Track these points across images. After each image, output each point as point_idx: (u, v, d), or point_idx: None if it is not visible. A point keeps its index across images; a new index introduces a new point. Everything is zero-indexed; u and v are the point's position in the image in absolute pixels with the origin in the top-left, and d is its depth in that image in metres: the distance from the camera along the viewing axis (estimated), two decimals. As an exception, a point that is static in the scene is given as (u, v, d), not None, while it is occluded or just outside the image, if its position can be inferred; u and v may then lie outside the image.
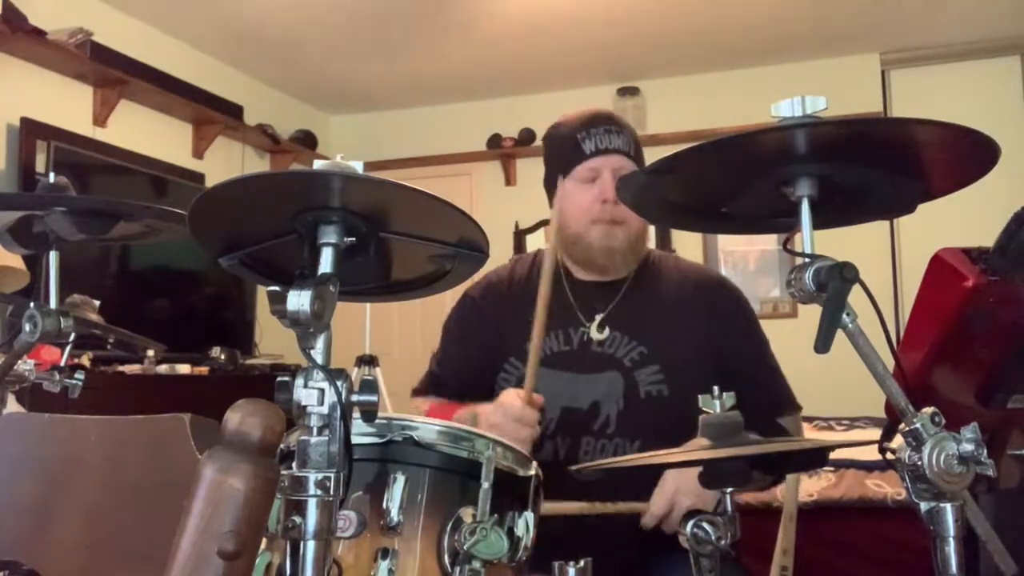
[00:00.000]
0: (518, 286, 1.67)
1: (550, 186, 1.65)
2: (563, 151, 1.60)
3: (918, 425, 0.82)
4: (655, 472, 1.38)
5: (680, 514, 1.31)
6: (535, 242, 5.23)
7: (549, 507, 1.14)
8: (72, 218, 1.04)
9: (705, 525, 0.99)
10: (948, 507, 0.82)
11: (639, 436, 1.48)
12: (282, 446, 0.88)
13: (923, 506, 0.83)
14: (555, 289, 1.63)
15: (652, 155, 0.91)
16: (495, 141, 5.37)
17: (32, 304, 1.05)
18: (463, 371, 1.65)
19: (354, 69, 4.98)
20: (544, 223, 5.12)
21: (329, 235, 0.81)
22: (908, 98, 4.83)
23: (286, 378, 0.77)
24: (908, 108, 4.79)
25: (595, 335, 1.56)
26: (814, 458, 1.31)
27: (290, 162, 5.16)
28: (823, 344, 0.82)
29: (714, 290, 1.64)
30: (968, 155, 0.87)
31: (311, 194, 0.81)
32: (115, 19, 4.03)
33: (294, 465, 0.76)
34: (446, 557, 0.94)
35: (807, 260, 0.86)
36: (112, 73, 3.83)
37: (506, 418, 1.35)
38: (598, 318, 1.58)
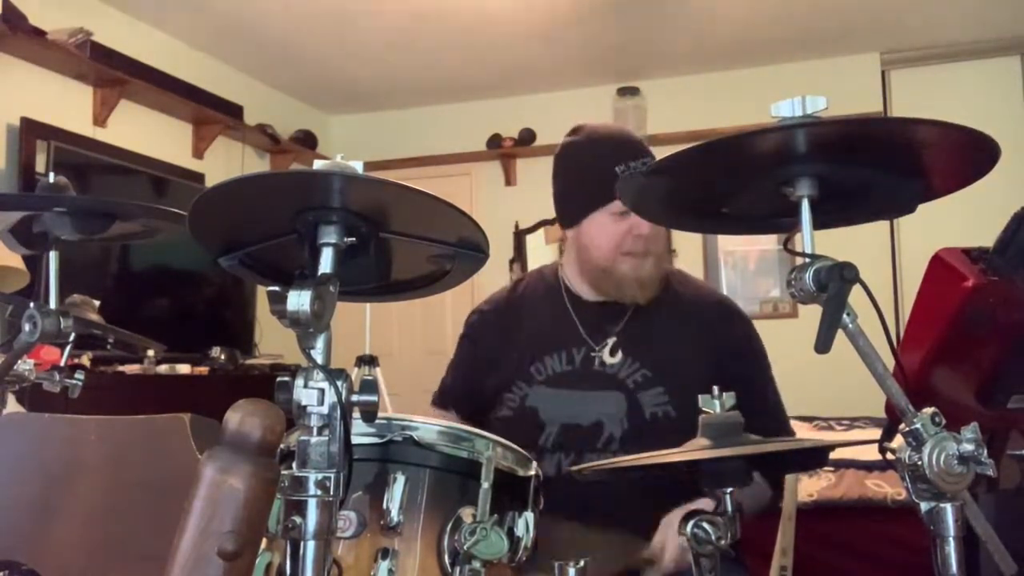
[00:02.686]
0: (521, 308, 1.68)
1: (575, 207, 1.61)
2: (598, 181, 1.54)
3: (918, 425, 0.82)
4: (656, 479, 1.38)
5: (673, 548, 1.30)
6: (535, 242, 5.23)
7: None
8: (73, 218, 1.04)
9: (705, 525, 0.99)
10: (948, 507, 0.82)
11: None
12: (282, 446, 0.88)
13: (923, 506, 0.83)
14: (559, 310, 1.63)
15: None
16: (495, 141, 5.37)
17: (32, 304, 1.05)
18: (468, 385, 1.66)
19: (354, 69, 4.98)
20: (544, 223, 5.12)
21: (329, 235, 0.81)
22: (908, 98, 4.83)
23: (286, 378, 0.77)
24: (908, 108, 4.78)
25: (608, 359, 1.56)
26: (814, 458, 1.31)
27: (290, 162, 5.16)
28: (823, 344, 0.82)
29: (721, 313, 1.63)
30: (968, 155, 0.87)
31: (311, 194, 0.81)
32: (115, 19, 4.03)
33: (294, 465, 0.76)
34: (446, 557, 0.94)
35: (807, 260, 0.86)
36: (112, 73, 3.83)
37: None
38: (610, 342, 1.58)
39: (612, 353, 1.56)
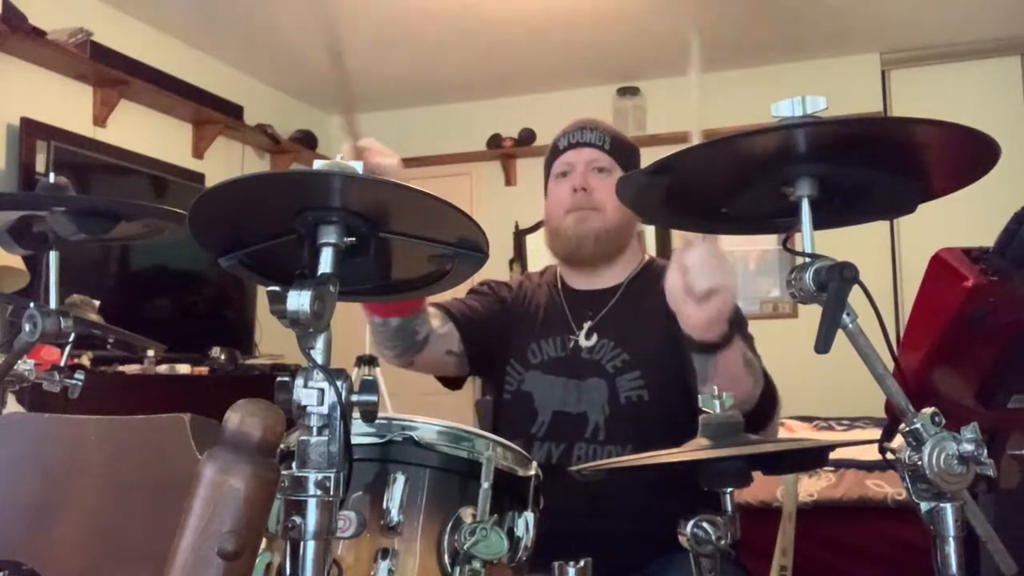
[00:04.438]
0: (523, 297, 1.70)
1: (544, 189, 1.71)
2: (548, 156, 1.68)
3: (918, 425, 0.82)
4: (655, 474, 1.38)
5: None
6: (535, 242, 5.23)
7: None
8: (73, 218, 1.04)
9: (705, 525, 0.99)
10: (948, 507, 0.82)
11: (628, 441, 1.48)
12: (282, 446, 0.88)
13: (923, 506, 0.83)
14: (554, 298, 1.65)
15: (652, 155, 0.91)
16: (495, 141, 5.37)
17: (32, 304, 1.05)
18: (470, 314, 1.64)
19: (354, 69, 4.96)
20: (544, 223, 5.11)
21: (329, 235, 0.81)
22: (908, 98, 4.83)
23: (286, 378, 0.77)
24: (908, 108, 4.78)
25: (583, 342, 1.58)
26: (814, 458, 1.30)
27: (290, 162, 5.16)
28: (823, 344, 0.82)
29: None
30: (968, 155, 0.87)
31: (311, 194, 0.81)
32: (115, 19, 4.03)
33: (294, 465, 0.76)
34: (446, 557, 0.94)
35: (807, 260, 0.86)
36: (112, 73, 3.83)
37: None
38: (586, 325, 1.59)
39: (588, 336, 1.58)
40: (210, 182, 4.13)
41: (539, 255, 5.20)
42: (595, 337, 1.58)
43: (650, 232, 4.91)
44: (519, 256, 5.25)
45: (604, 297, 1.62)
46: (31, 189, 1.24)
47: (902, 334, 1.41)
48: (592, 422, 1.52)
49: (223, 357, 4.08)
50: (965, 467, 0.80)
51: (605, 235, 1.59)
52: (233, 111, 4.65)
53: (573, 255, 1.63)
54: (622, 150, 1.64)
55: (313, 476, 0.75)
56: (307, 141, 5.28)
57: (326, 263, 0.80)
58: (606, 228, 1.59)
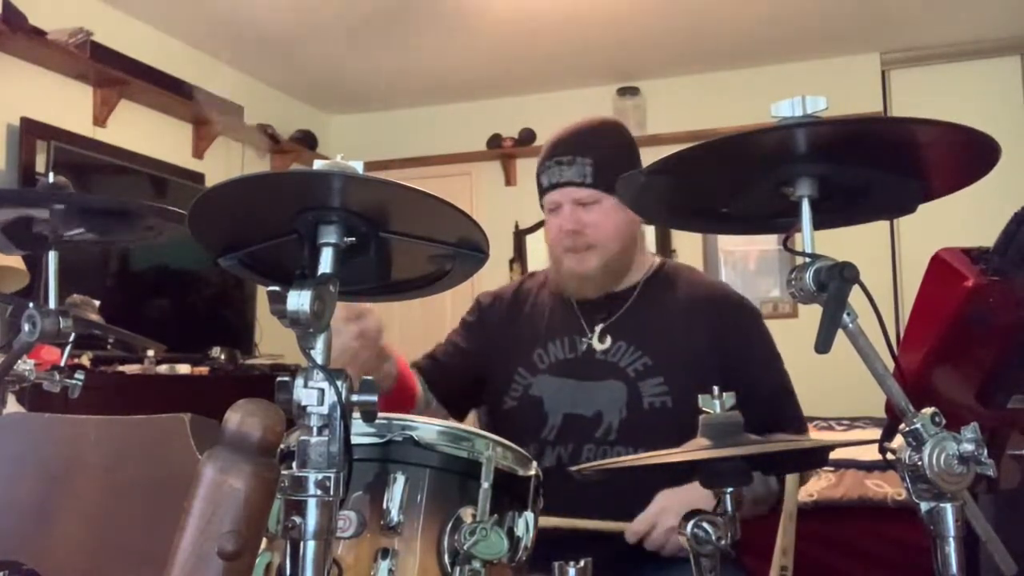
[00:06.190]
0: (525, 299, 1.69)
1: None
2: (537, 182, 1.63)
3: (918, 425, 0.82)
4: (654, 477, 1.38)
5: (661, 532, 1.32)
6: (535, 242, 5.23)
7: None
8: (73, 217, 1.04)
9: (705, 525, 0.99)
10: (948, 507, 0.82)
11: (642, 445, 1.47)
12: (282, 446, 0.88)
13: (923, 506, 0.83)
14: (563, 300, 1.64)
15: (652, 155, 0.91)
16: (495, 141, 5.37)
17: (32, 304, 1.05)
18: (452, 364, 1.65)
19: (354, 69, 4.97)
20: (544, 223, 5.11)
21: (329, 235, 0.81)
22: (908, 98, 4.83)
23: (286, 378, 0.77)
24: (908, 108, 4.78)
25: (596, 344, 1.56)
26: (814, 458, 1.31)
27: (290, 162, 5.16)
28: (823, 344, 0.82)
29: (727, 306, 1.62)
30: (968, 155, 0.87)
31: (311, 194, 0.80)
32: (115, 19, 4.03)
33: (294, 465, 0.76)
34: (446, 557, 0.94)
35: (807, 260, 0.86)
36: (112, 73, 3.83)
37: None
38: (599, 328, 1.58)
39: (601, 338, 1.56)
40: (210, 182, 4.13)
41: (539, 255, 5.21)
42: (609, 339, 1.56)
43: (650, 232, 4.92)
44: (519, 256, 5.25)
45: (618, 299, 1.61)
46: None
47: (902, 334, 1.41)
48: (606, 423, 1.51)
49: (223, 357, 4.07)
50: (965, 467, 0.80)
51: (605, 268, 1.58)
52: (233, 111, 4.65)
53: (577, 291, 1.61)
54: (608, 173, 1.51)
55: (313, 476, 0.75)
56: (307, 141, 5.28)
57: (326, 263, 0.80)
58: (605, 261, 1.57)
